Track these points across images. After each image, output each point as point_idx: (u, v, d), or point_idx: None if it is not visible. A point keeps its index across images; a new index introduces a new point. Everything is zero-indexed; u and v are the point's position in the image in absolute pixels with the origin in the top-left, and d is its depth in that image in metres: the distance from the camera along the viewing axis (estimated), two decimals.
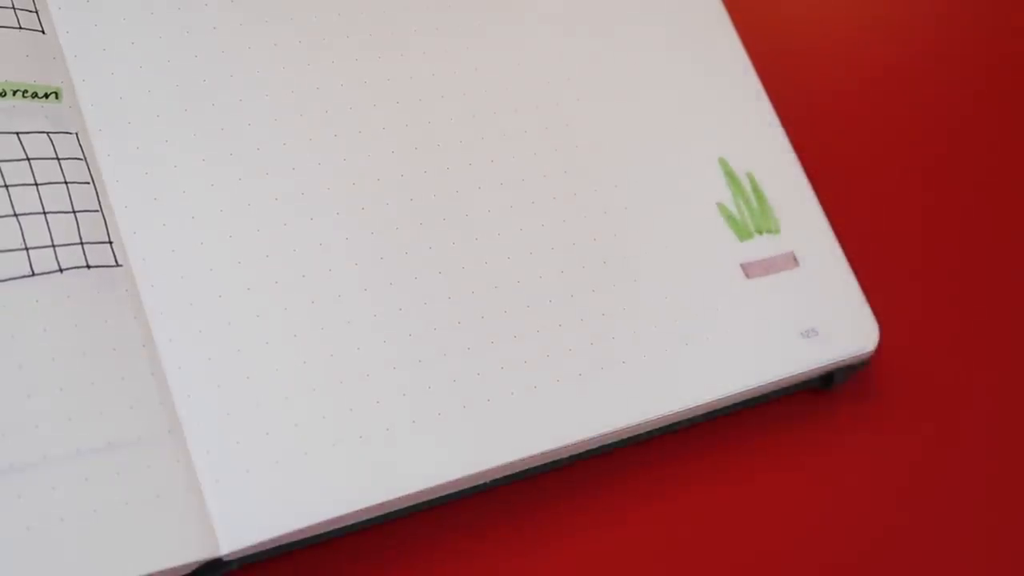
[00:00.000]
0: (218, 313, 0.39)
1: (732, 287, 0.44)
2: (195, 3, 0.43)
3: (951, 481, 0.45)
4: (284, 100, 0.42)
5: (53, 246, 0.38)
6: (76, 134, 0.40)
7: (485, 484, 0.40)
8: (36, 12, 0.41)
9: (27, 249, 0.37)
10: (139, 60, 0.41)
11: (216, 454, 0.37)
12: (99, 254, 0.38)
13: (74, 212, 0.38)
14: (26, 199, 0.38)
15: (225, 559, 0.36)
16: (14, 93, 0.39)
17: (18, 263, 0.37)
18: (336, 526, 0.38)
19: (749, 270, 0.45)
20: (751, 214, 0.46)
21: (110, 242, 0.39)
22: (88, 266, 0.38)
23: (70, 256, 0.38)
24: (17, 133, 0.39)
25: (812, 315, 0.45)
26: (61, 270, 0.38)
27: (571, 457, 0.41)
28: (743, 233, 0.46)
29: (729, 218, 0.46)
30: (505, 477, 0.40)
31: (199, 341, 0.38)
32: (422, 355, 0.40)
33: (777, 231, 0.46)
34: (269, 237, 0.40)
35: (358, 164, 0.42)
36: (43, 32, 0.41)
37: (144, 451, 0.36)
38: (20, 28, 0.40)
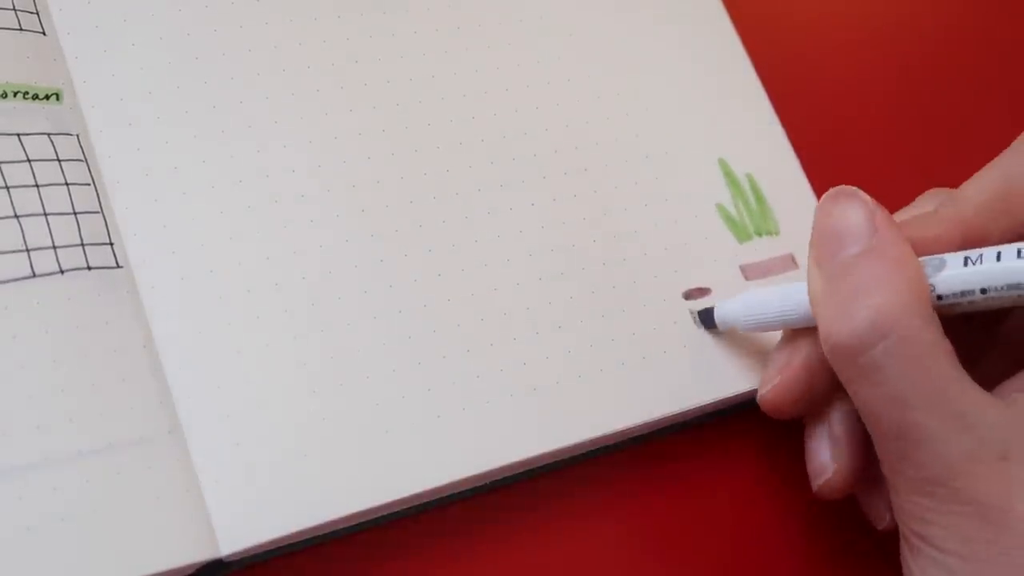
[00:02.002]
0: (218, 314, 0.39)
1: (731, 289, 0.44)
2: (196, 4, 0.43)
3: None
4: (284, 102, 0.42)
5: (54, 247, 0.38)
6: (77, 135, 0.40)
7: (485, 485, 0.40)
8: (37, 13, 0.41)
9: (28, 250, 0.37)
10: (140, 62, 0.41)
11: (216, 455, 0.37)
12: (100, 255, 0.38)
13: (75, 213, 0.38)
14: (27, 200, 0.38)
15: (225, 560, 0.36)
16: (15, 94, 0.39)
17: (19, 264, 0.37)
18: (336, 527, 0.38)
19: (748, 272, 0.45)
20: (750, 215, 0.46)
21: (111, 243, 0.39)
22: (89, 267, 0.38)
23: (71, 257, 0.38)
24: (18, 134, 0.39)
25: None
26: (62, 271, 0.38)
27: (571, 459, 0.41)
28: (742, 235, 0.46)
29: (728, 219, 0.46)
30: (505, 478, 0.40)
31: (199, 342, 0.38)
32: (421, 357, 0.40)
33: (776, 233, 0.46)
34: (269, 239, 0.40)
35: (358, 166, 0.42)
36: (44, 33, 0.41)
37: (144, 452, 0.36)
38: (21, 30, 0.40)
